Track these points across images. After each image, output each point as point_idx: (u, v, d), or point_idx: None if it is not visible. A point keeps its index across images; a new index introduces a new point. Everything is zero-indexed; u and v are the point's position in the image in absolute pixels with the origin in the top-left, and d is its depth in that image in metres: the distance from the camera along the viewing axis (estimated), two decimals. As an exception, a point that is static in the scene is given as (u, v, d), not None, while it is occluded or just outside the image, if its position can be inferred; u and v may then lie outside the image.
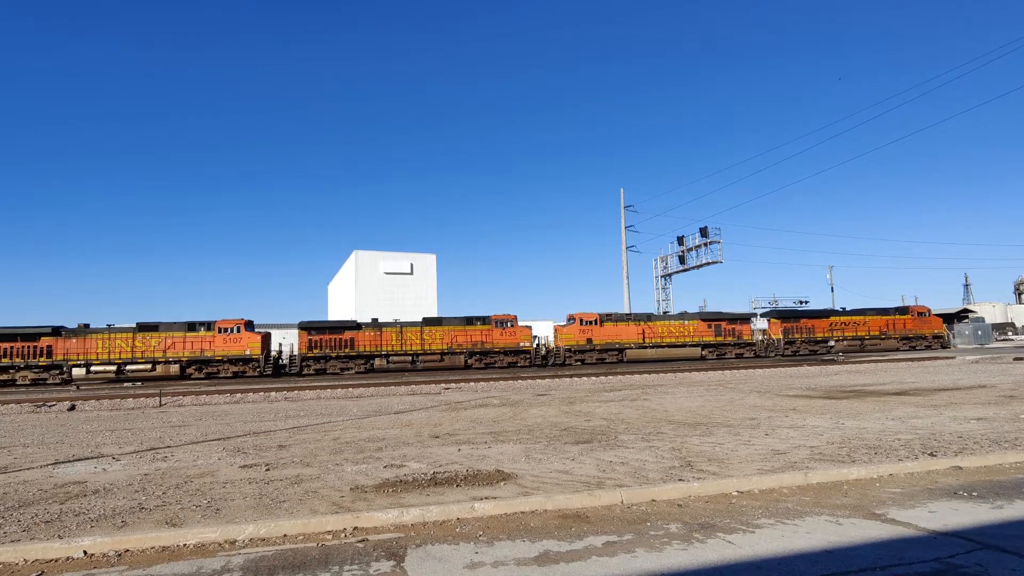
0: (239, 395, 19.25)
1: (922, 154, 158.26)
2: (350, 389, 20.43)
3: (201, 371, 32.35)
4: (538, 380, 22.37)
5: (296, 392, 19.76)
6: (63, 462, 8.11)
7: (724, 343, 38.95)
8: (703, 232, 45.33)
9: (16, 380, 30.93)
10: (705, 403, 13.22)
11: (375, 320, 35.67)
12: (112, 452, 8.84)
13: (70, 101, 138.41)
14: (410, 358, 34.57)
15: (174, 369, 32.02)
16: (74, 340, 31.56)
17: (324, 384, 23.45)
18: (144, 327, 32.42)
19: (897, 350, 40.57)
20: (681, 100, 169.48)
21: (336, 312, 67.43)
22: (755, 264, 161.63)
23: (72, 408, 16.85)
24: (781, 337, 39.93)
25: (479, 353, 35.49)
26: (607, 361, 36.80)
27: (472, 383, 21.80)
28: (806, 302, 59.12)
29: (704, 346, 38.49)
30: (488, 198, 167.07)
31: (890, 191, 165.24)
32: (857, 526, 4.60)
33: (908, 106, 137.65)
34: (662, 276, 49.49)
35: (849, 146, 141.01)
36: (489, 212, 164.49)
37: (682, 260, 47.61)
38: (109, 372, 31.73)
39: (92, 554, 4.39)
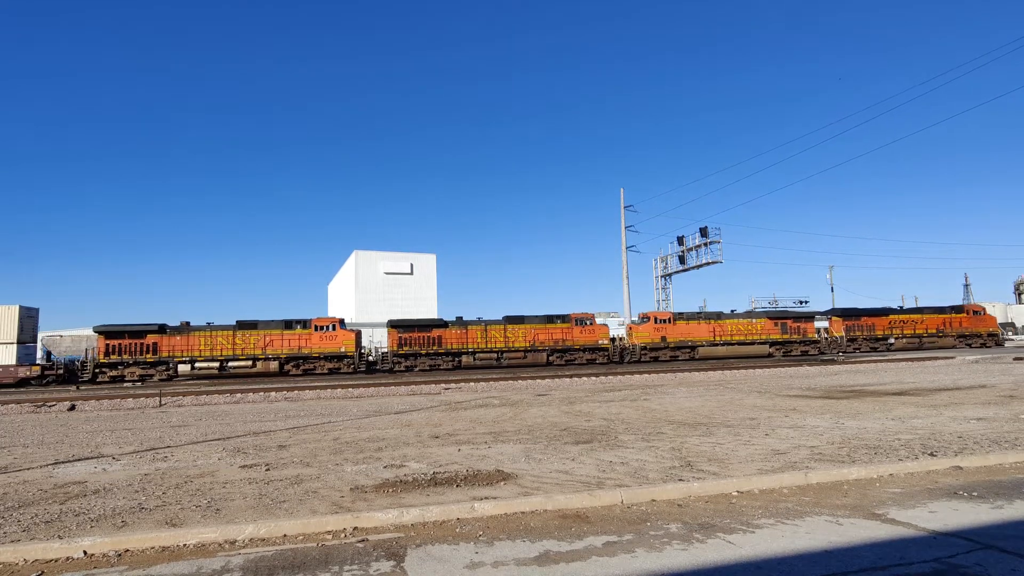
0: (239, 395, 19.25)
1: (922, 154, 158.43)
2: (350, 389, 20.44)
3: (299, 368, 32.94)
4: (538, 380, 22.36)
5: (296, 392, 19.76)
6: (63, 462, 8.11)
7: (790, 340, 39.56)
8: (703, 232, 45.28)
9: (124, 376, 31.44)
10: (705, 403, 13.22)
11: (459, 318, 36.27)
12: (112, 452, 8.84)
13: (53, 101, 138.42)
14: (495, 355, 35.29)
15: (273, 366, 32.65)
16: (178, 337, 32.23)
17: (324, 384, 23.46)
18: (243, 325, 33.21)
19: (954, 347, 41.22)
20: (681, 100, 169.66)
21: (336, 312, 67.38)
22: (755, 264, 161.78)
23: (72, 408, 16.85)
24: (843, 335, 40.57)
25: (560, 351, 36.17)
26: (680, 358, 37.49)
27: (472, 383, 21.80)
28: (806, 302, 59.18)
29: (772, 343, 39.14)
30: (488, 198, 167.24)
31: (890, 191, 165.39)
32: (857, 526, 4.60)
33: (908, 106, 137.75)
34: (662, 276, 49.45)
35: (849, 146, 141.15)
36: (489, 212, 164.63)
37: (682, 260, 47.54)
38: (212, 368, 32.32)
39: (92, 554, 4.39)
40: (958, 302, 72.17)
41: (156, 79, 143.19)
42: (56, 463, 8.06)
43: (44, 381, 30.01)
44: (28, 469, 7.69)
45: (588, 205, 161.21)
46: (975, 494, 5.42)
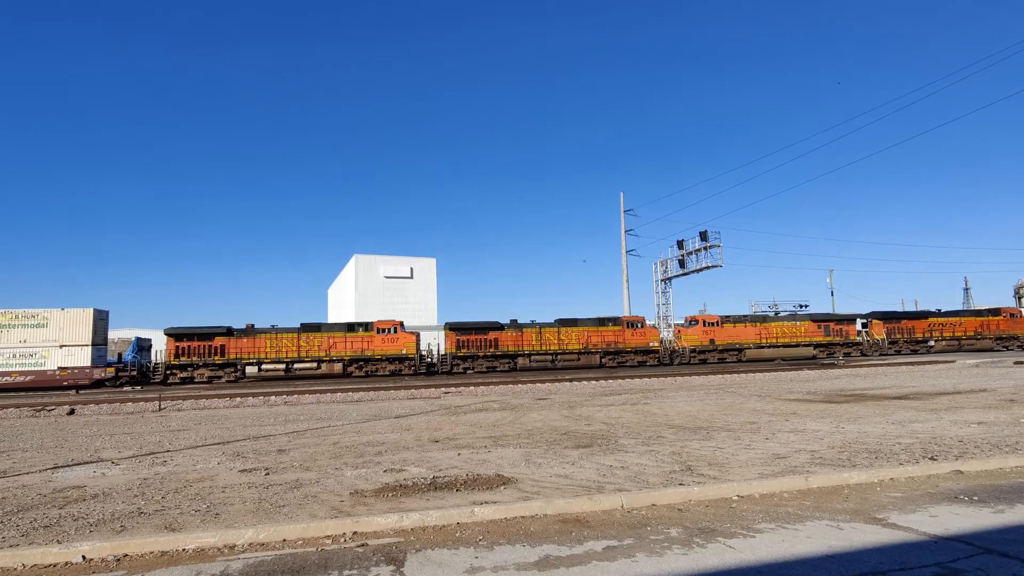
0: (238, 399, 19.22)
1: (922, 157, 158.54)
2: (350, 393, 20.41)
3: (361, 369, 33.49)
4: (538, 384, 22.35)
5: (296, 396, 19.74)
6: (62, 466, 8.10)
7: (833, 343, 40.16)
8: (703, 236, 45.16)
9: (194, 378, 31.88)
10: (705, 407, 13.21)
11: (514, 321, 36.66)
12: (111, 456, 8.83)
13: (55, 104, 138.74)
14: (550, 357, 35.73)
15: (337, 367, 33.16)
16: (245, 340, 32.77)
17: (324, 388, 23.43)
18: (307, 327, 33.85)
19: (992, 349, 41.85)
20: (681, 104, 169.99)
21: (335, 317, 67.39)
22: (754, 268, 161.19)
23: (71, 412, 16.83)
24: (884, 337, 41.23)
25: (612, 353, 36.60)
26: (727, 360, 37.93)
27: (472, 387, 21.78)
28: (806, 306, 59.05)
29: (815, 345, 39.73)
30: (488, 202, 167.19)
31: (889, 194, 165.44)
32: (858, 530, 4.59)
33: (907, 110, 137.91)
34: (662, 280, 49.38)
35: (848, 150, 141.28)
36: (489, 216, 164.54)
37: (682, 264, 47.43)
38: (279, 370, 32.78)
39: (91, 559, 4.38)
40: (958, 306, 72.26)
41: (157, 83, 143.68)
42: (55, 467, 8.04)
43: (118, 382, 30.44)
44: (27, 473, 7.68)
45: (587, 208, 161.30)
46: (976, 498, 5.41)
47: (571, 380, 23.84)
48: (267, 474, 7.10)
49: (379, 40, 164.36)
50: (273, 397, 19.60)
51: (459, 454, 8.16)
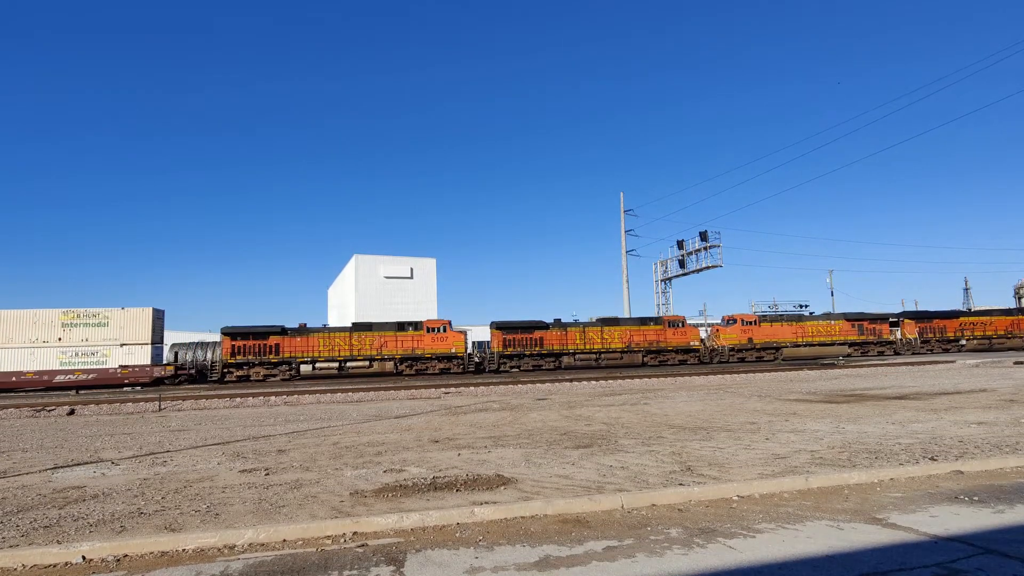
0: (238, 399, 19.22)
1: (922, 158, 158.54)
2: (350, 393, 20.41)
3: (412, 368, 33.94)
4: (538, 384, 22.35)
5: (296, 396, 19.74)
6: (62, 467, 8.09)
7: (867, 341, 40.89)
8: (703, 236, 45.21)
9: (250, 376, 32.24)
10: (705, 407, 13.20)
11: (558, 320, 37.00)
12: (111, 457, 8.82)
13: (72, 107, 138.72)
14: (594, 356, 36.13)
15: (389, 366, 33.66)
16: (298, 339, 33.24)
17: (324, 388, 23.43)
18: (359, 327, 34.63)
19: (1023, 348, 42.50)
20: (681, 104, 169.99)
21: (336, 317, 67.33)
22: (755, 268, 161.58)
23: (71, 412, 16.83)
24: (917, 336, 41.92)
25: (654, 352, 37.04)
26: (765, 359, 38.34)
27: (472, 387, 21.79)
28: (806, 306, 59.00)
29: (850, 344, 40.43)
30: (488, 203, 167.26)
31: (890, 195, 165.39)
32: (858, 531, 4.59)
33: (908, 110, 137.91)
34: (662, 280, 49.39)
35: (848, 150, 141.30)
36: (489, 216, 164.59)
37: (682, 264, 47.47)
38: (332, 368, 33.21)
39: (91, 559, 4.37)
40: (958, 306, 72.48)
41: (160, 88, 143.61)
42: (55, 468, 8.04)
43: (176, 380, 30.80)
44: (27, 474, 7.67)
45: (588, 208, 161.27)
46: (976, 498, 5.41)
47: (571, 380, 23.84)
48: (267, 474, 7.10)
49: (381, 43, 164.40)
50: (273, 397, 19.60)
51: (459, 454, 8.16)
